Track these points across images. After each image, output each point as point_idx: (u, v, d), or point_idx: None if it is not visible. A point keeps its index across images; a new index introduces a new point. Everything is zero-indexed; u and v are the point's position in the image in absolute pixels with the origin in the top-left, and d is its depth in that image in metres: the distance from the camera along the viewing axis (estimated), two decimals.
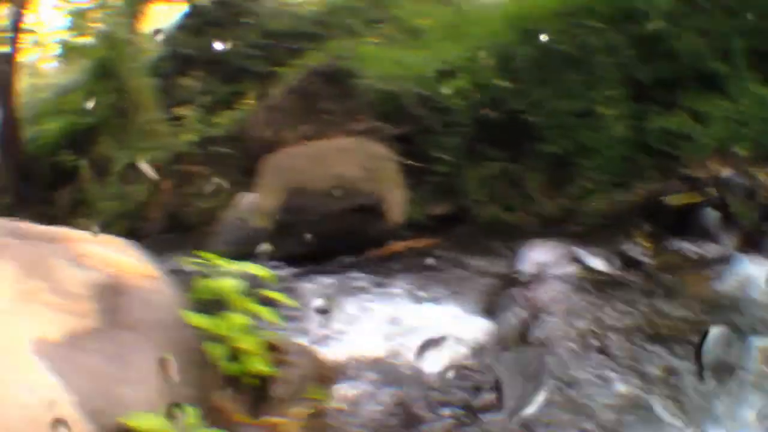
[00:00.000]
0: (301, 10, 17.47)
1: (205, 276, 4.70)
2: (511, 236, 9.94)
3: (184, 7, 17.25)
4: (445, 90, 11.34)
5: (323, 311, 7.50)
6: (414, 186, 10.88)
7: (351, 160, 10.11)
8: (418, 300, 7.65)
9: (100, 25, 17.16)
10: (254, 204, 10.04)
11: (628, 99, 10.90)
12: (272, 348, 5.03)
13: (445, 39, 12.98)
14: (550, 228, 9.99)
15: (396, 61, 11.97)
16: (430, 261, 9.22)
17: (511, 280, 7.62)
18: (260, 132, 11.53)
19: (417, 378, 5.69)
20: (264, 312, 4.85)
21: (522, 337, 6.13)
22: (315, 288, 8.18)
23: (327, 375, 5.35)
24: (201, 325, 4.36)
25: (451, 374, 5.66)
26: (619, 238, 8.72)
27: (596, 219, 9.94)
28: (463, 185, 11.08)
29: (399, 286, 8.24)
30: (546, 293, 6.76)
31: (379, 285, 8.33)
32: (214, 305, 4.83)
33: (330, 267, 9.25)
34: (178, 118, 14.19)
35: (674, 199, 9.19)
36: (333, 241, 9.30)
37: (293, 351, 5.18)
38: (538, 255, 7.87)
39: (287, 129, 11.03)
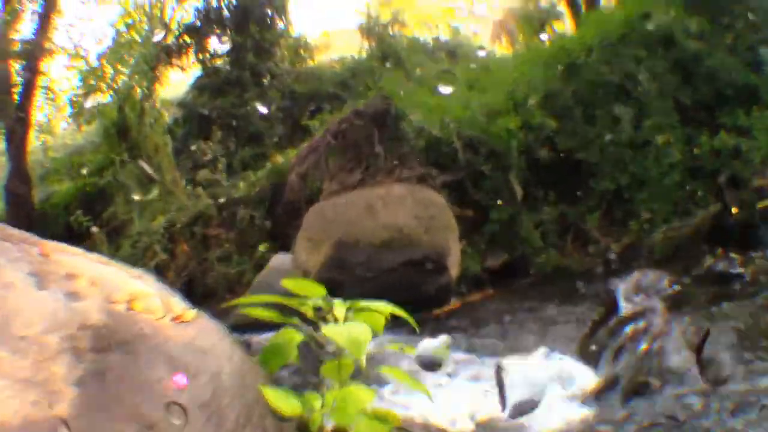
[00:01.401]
0: (322, 71, 16.76)
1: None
2: (576, 282, 9.06)
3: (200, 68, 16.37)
4: (495, 131, 10.49)
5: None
6: (468, 236, 9.78)
7: (404, 209, 8.85)
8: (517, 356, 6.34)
9: (113, 85, 16.40)
10: (290, 263, 8.69)
11: (676, 125, 10.49)
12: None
13: (482, 88, 12.45)
14: (616, 267, 9.16)
15: (442, 105, 11.29)
16: (506, 317, 8.09)
17: (609, 319, 6.34)
18: (297, 183, 10.12)
19: None
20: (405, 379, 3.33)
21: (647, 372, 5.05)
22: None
23: None
24: (292, 413, 2.64)
25: None
26: (697, 260, 7.95)
27: (666, 249, 9.06)
28: (520, 233, 10.15)
29: (483, 345, 7.16)
30: (658, 320, 5.73)
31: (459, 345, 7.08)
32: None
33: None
34: (196, 181, 13.49)
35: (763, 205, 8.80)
36: (388, 299, 7.45)
37: None
38: (632, 288, 6.69)
39: (330, 177, 9.69)
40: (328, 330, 2.76)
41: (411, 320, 3.20)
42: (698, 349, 4.22)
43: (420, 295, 8.38)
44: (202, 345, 2.50)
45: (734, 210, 9.00)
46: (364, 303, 3.07)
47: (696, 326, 5.59)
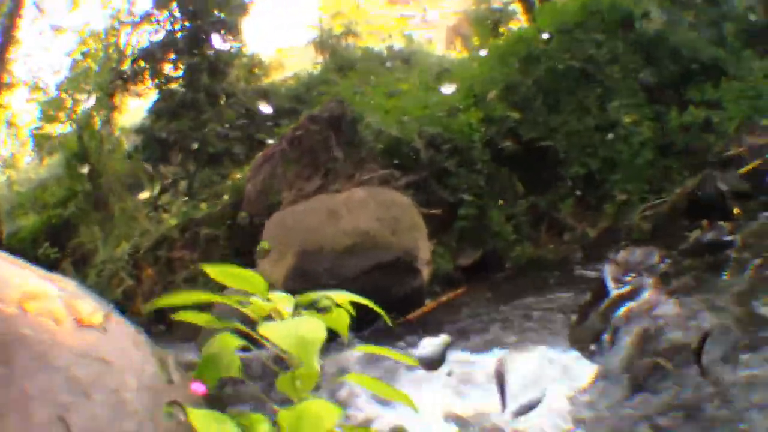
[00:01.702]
0: (277, 87, 16.31)
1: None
2: (554, 271, 8.77)
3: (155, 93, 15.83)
4: (456, 126, 10.10)
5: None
6: (437, 235, 9.23)
7: (367, 213, 8.25)
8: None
9: (72, 114, 16.01)
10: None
11: (642, 104, 10.22)
12: None
13: (439, 87, 12.00)
14: (595, 252, 8.60)
15: (399, 105, 10.86)
16: (484, 313, 7.60)
17: (599, 302, 5.84)
18: (254, 195, 9.47)
19: None
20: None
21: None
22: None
23: None
24: None
25: None
26: (680, 236, 7.52)
27: (644, 228, 8.71)
28: (490, 228, 9.57)
29: (469, 342, 6.62)
30: (653, 297, 5.33)
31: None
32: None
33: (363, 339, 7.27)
34: (157, 205, 13.04)
35: (743, 170, 8.44)
36: (356, 308, 6.82)
37: None
38: (620, 268, 6.24)
39: (288, 186, 9.06)
40: (266, 330, 2.03)
41: (381, 312, 2.45)
42: (698, 351, 3.83)
43: (392, 300, 7.74)
44: (104, 355, 1.92)
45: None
46: (317, 294, 2.34)
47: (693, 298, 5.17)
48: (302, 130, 9.34)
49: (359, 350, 2.20)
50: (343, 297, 2.38)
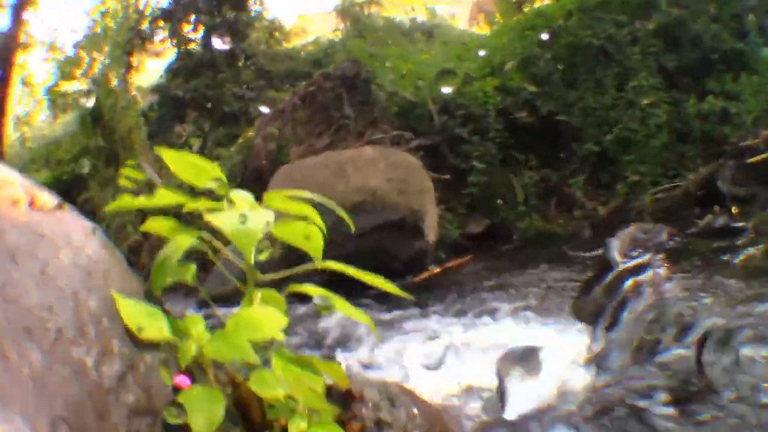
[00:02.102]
0: (296, 51, 15.98)
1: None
2: (562, 246, 8.39)
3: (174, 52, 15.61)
4: (471, 94, 9.82)
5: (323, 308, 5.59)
6: (446, 201, 8.94)
7: (376, 172, 7.95)
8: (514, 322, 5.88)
9: (89, 73, 15.85)
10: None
11: (660, 87, 9.92)
12: (341, 397, 2.45)
13: (460, 57, 11.80)
14: (604, 230, 8.10)
15: (415, 70, 10.60)
16: (489, 281, 7.31)
17: (604, 276, 5.56)
18: (262, 147, 9.19)
19: None
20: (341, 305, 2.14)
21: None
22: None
23: None
24: (156, 336, 1.75)
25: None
26: (691, 220, 7.24)
27: (656, 211, 8.43)
28: (500, 198, 9.44)
29: (471, 310, 6.31)
30: (660, 273, 4.94)
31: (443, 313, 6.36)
32: None
33: (366, 301, 7.03)
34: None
35: (754, 160, 7.95)
36: (361, 266, 6.56)
37: (393, 400, 2.54)
38: (627, 243, 5.92)
39: (298, 141, 8.80)
40: (212, 217, 1.81)
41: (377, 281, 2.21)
42: (698, 352, 3.60)
43: (395, 261, 7.60)
44: (43, 231, 1.72)
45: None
46: (289, 193, 2.10)
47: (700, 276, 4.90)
48: (315, 87, 9.11)
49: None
50: (315, 215, 2.11)
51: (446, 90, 9.80)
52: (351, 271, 2.10)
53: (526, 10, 15.30)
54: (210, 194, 1.96)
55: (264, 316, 1.89)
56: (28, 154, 16.91)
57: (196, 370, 1.86)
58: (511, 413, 3.69)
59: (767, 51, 9.81)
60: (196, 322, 1.83)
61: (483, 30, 17.51)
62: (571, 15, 10.73)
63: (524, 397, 3.96)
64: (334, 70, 9.32)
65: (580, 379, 4.21)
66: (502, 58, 10.80)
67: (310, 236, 2.01)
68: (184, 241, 1.97)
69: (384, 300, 7.12)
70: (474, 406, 4.26)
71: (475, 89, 9.94)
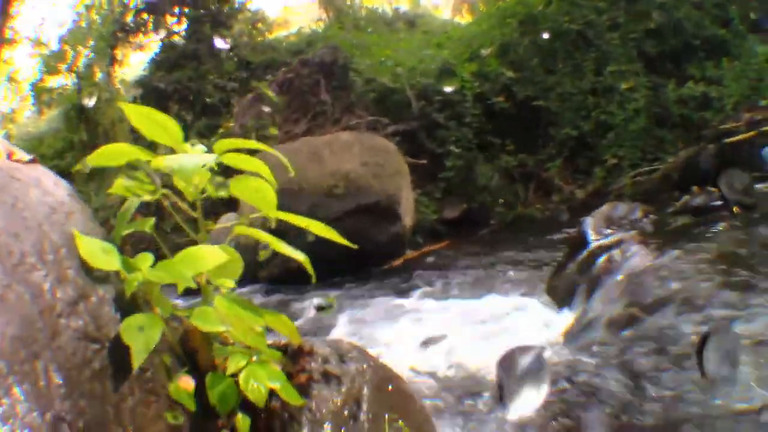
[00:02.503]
0: (278, 42, 15.86)
1: None
2: (540, 229, 8.41)
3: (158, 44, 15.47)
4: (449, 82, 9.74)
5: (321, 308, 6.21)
6: (423, 186, 8.88)
7: (352, 156, 7.85)
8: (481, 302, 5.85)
9: (73, 67, 15.75)
10: (235, 219, 7.74)
11: (640, 72, 9.87)
12: (293, 353, 2.48)
13: (439, 45, 11.84)
14: (582, 213, 8.06)
15: (393, 56, 10.52)
16: (466, 264, 7.30)
17: (578, 254, 5.50)
18: (241, 135, 9.09)
19: None
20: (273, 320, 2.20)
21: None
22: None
23: (406, 397, 2.81)
24: (106, 267, 1.89)
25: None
26: (669, 202, 7.19)
27: (634, 194, 8.32)
28: (477, 183, 9.33)
29: (448, 291, 6.42)
30: (633, 249, 4.97)
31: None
32: None
33: (345, 284, 7.01)
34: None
35: (732, 139, 7.93)
36: (336, 252, 6.54)
37: (343, 355, 2.57)
38: (601, 221, 5.88)
39: (275, 127, 8.70)
40: (159, 161, 1.98)
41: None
42: (699, 351, 3.57)
43: (372, 245, 7.47)
44: (16, 174, 1.96)
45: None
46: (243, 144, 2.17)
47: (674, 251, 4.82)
48: (293, 74, 9.03)
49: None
50: (267, 171, 2.22)
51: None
52: (298, 220, 2.20)
53: None
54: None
55: (206, 252, 2.01)
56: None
57: (143, 305, 1.97)
58: (512, 413, 3.66)
59: (751, 38, 9.78)
60: (145, 259, 1.95)
61: (466, 20, 17.46)
62: (550, 2, 10.66)
63: (524, 396, 3.93)
64: (312, 57, 9.24)
65: (553, 353, 4.17)
66: (481, 45, 10.74)
67: (262, 191, 2.14)
68: (141, 194, 2.12)
69: (363, 280, 7.12)
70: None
71: (456, 77, 9.87)
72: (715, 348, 3.62)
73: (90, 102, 13.45)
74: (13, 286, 1.60)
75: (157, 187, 2.11)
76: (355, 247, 2.36)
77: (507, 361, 4.09)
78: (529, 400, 3.68)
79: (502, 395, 3.89)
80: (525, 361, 4.10)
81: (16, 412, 1.44)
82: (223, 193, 2.18)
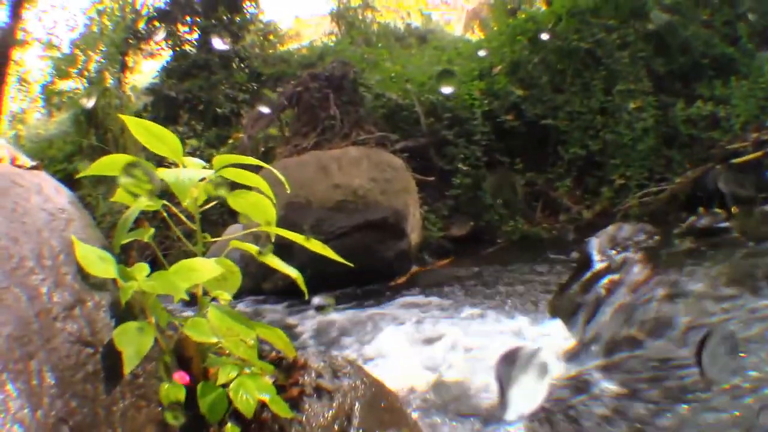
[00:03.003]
0: (290, 54, 15.93)
1: None
2: (546, 250, 8.34)
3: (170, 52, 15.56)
4: (459, 97, 9.83)
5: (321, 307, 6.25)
6: (431, 203, 8.92)
7: (360, 171, 7.89)
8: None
9: (84, 71, 15.84)
10: (239, 229, 7.79)
11: (648, 92, 9.84)
12: (286, 366, 2.49)
13: (450, 62, 11.91)
14: (588, 233, 8.05)
15: (404, 72, 10.57)
16: (471, 281, 7.28)
17: (582, 274, 5.51)
18: (248, 146, 9.17)
19: None
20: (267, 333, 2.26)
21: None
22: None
23: (398, 415, 2.84)
24: (103, 275, 1.96)
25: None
26: (676, 223, 6.87)
27: (641, 215, 8.38)
28: (484, 200, 9.33)
29: (453, 308, 6.33)
30: (637, 271, 4.95)
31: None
32: None
33: (349, 299, 7.04)
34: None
35: (740, 160, 7.94)
36: (342, 266, 6.53)
37: (337, 370, 2.63)
38: (606, 242, 5.89)
39: (284, 141, 8.75)
40: (159, 172, 2.02)
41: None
42: (698, 351, 3.57)
43: (378, 261, 7.52)
44: (18, 180, 2.06)
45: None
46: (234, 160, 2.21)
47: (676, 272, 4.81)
48: (302, 87, 9.03)
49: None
50: (265, 186, 2.28)
51: (446, 90, 9.75)
52: (296, 237, 2.26)
53: (521, 16, 15.33)
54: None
55: (201, 264, 2.06)
56: (22, 152, 16.88)
57: (138, 313, 2.02)
58: (512, 414, 3.65)
59: (761, 56, 9.74)
60: (142, 269, 2.00)
61: (477, 36, 17.50)
62: (560, 20, 10.65)
63: (524, 397, 3.94)
64: (322, 71, 9.25)
65: (555, 373, 4.19)
66: (491, 63, 10.76)
67: (260, 205, 2.21)
68: (141, 204, 2.12)
69: (368, 295, 7.13)
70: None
71: (462, 92, 9.88)
72: (714, 348, 3.65)
73: (89, 103, 13.45)
74: (11, 288, 1.67)
75: (156, 188, 2.16)
76: (352, 265, 2.40)
77: (507, 362, 4.13)
78: (528, 401, 3.74)
79: (501, 395, 3.99)
80: (525, 361, 4.24)
81: (8, 407, 1.49)
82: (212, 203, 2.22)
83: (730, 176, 8.06)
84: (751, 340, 3.73)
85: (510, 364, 4.14)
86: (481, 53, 11.09)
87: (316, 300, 6.43)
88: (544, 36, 10.29)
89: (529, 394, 3.86)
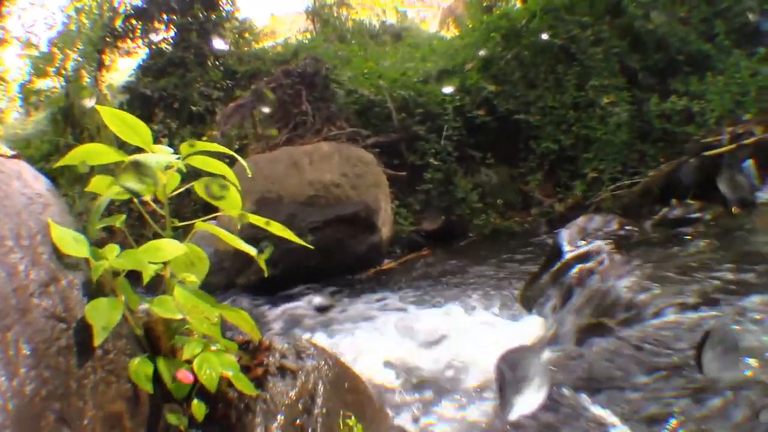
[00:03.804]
0: (264, 52, 15.86)
1: None
2: (517, 243, 8.50)
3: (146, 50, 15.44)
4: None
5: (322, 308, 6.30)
6: (402, 198, 8.93)
7: (331, 166, 7.86)
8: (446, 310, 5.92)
9: (62, 70, 15.72)
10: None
11: (622, 87, 9.86)
12: (252, 348, 2.60)
13: (423, 58, 11.99)
14: (560, 226, 8.10)
15: (376, 69, 10.58)
16: (443, 274, 7.37)
17: (553, 264, 5.55)
18: (221, 143, 9.02)
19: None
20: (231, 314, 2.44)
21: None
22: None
23: (362, 396, 2.91)
24: (76, 254, 2.12)
25: None
26: (649, 215, 7.21)
27: (613, 208, 8.29)
28: (456, 195, 9.32)
29: (422, 300, 6.42)
30: (607, 260, 5.01)
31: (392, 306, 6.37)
32: None
33: (321, 292, 7.04)
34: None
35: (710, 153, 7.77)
36: (315, 260, 6.62)
37: (300, 351, 2.64)
38: (576, 233, 5.96)
39: (256, 137, 8.74)
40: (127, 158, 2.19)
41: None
42: (698, 350, 3.61)
43: (349, 256, 7.59)
44: (0, 167, 2.18)
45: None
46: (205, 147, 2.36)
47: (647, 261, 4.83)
48: (275, 83, 9.02)
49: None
50: (231, 174, 2.32)
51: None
52: (257, 220, 2.43)
53: (496, 12, 15.36)
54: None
55: (167, 244, 2.23)
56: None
57: (109, 292, 2.13)
58: (512, 413, 3.69)
59: (737, 53, 9.76)
60: (112, 250, 2.16)
61: (452, 34, 17.51)
62: (534, 16, 10.66)
63: (524, 396, 3.96)
64: (295, 68, 9.25)
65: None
66: (464, 59, 10.77)
67: (227, 192, 2.36)
68: (113, 191, 2.27)
69: (339, 288, 7.15)
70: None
71: (435, 88, 9.89)
72: (714, 347, 3.65)
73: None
74: None
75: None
76: (311, 248, 2.70)
77: (507, 362, 4.13)
78: (528, 401, 3.74)
79: (501, 395, 3.95)
80: (524, 361, 4.26)
81: None
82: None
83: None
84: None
85: (510, 364, 4.15)
86: (452, 51, 11.12)
87: (317, 300, 6.51)
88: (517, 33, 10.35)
89: (529, 394, 3.88)
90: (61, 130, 13.71)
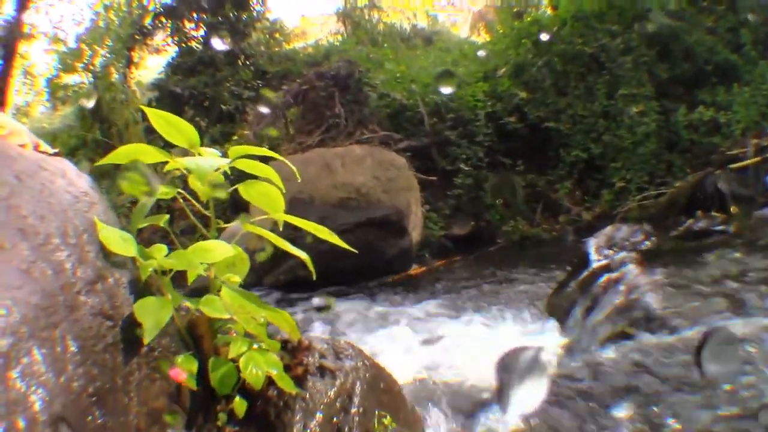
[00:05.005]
0: (295, 53, 16.06)
1: None
2: (545, 250, 8.69)
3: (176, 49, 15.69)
4: (462, 98, 9.98)
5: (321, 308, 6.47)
6: (433, 203, 9.17)
7: (363, 169, 8.07)
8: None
9: (90, 66, 15.92)
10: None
11: (651, 96, 10.00)
12: (292, 348, 2.61)
13: (455, 63, 12.08)
14: (588, 234, 8.20)
15: (408, 73, 10.72)
16: (471, 280, 7.46)
17: (579, 273, 5.66)
18: (253, 143, 9.27)
19: None
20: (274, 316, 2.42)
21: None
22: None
23: (397, 397, 3.03)
24: (124, 252, 2.12)
25: None
26: (674, 226, 7.09)
27: (640, 217, 8.32)
28: (486, 201, 9.54)
29: (452, 307, 6.49)
30: (633, 271, 5.05)
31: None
32: None
33: (349, 294, 7.19)
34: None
35: (736, 166, 8.01)
36: (345, 263, 6.77)
37: (339, 352, 2.71)
38: (604, 242, 6.07)
39: (289, 138, 8.95)
40: (179, 161, 2.20)
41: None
42: (698, 351, 3.70)
43: (379, 259, 7.70)
44: (43, 164, 2.20)
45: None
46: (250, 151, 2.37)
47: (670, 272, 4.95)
48: (308, 85, 9.23)
49: None
50: (276, 177, 2.42)
51: (446, 90, 9.91)
52: (303, 224, 2.44)
53: (527, 19, 15.47)
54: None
55: (216, 245, 2.22)
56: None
57: (155, 291, 2.17)
58: (512, 413, 3.79)
59: (763, 63, 9.87)
60: (160, 250, 2.17)
61: (483, 38, 17.64)
62: (565, 24, 10.80)
63: (524, 396, 4.04)
64: (328, 70, 9.45)
65: (550, 368, 4.33)
66: (496, 65, 10.95)
67: (270, 195, 2.37)
68: (158, 192, 2.33)
69: (367, 291, 7.28)
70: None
71: (466, 94, 10.04)
72: (714, 348, 3.72)
73: (89, 103, 13.58)
74: (37, 262, 1.82)
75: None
76: (355, 251, 2.64)
77: (506, 361, 4.28)
78: (528, 400, 3.84)
79: (501, 395, 4.00)
80: (525, 361, 4.36)
81: (33, 371, 1.62)
82: (221, 194, 2.41)
83: (731, 177, 8.18)
84: (747, 338, 3.90)
85: (510, 363, 4.27)
86: (481, 53, 11.28)
87: (316, 300, 6.60)
88: (544, 36, 10.45)
89: (529, 393, 3.98)
90: (88, 125, 13.78)
